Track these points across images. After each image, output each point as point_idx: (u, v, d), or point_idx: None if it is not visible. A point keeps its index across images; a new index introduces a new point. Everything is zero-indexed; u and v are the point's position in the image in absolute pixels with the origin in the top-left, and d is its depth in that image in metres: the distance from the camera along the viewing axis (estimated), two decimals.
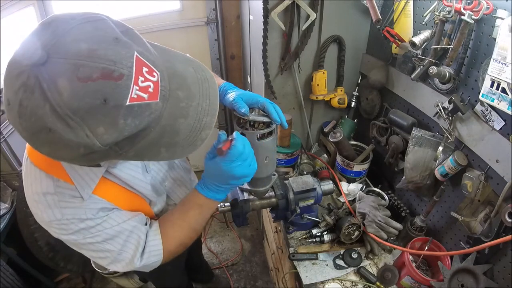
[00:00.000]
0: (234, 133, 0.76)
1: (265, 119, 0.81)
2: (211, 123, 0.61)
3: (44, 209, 0.67)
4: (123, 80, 0.47)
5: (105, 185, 0.74)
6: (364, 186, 1.45)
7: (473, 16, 0.87)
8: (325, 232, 1.25)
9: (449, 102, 1.01)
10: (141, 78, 0.49)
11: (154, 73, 0.51)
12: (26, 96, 0.45)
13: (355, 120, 1.66)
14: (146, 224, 0.82)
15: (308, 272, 1.15)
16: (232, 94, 0.85)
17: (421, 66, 1.09)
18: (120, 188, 0.78)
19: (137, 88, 0.48)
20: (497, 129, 0.90)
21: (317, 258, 1.20)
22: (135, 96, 0.48)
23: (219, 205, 1.14)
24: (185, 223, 0.84)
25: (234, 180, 0.78)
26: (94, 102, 0.45)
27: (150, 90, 0.50)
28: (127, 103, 0.47)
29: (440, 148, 1.07)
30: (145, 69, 0.50)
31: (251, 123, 0.83)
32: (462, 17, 0.88)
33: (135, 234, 0.77)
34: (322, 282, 1.12)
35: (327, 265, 1.19)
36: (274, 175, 1.03)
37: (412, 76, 1.12)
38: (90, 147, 0.48)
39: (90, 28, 0.48)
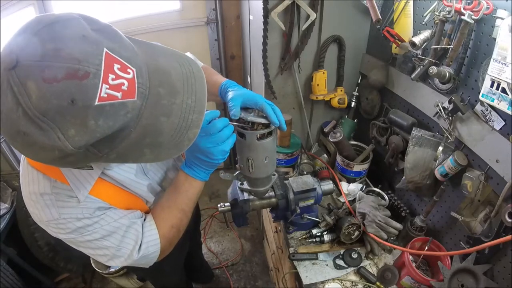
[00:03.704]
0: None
1: (263, 121, 0.80)
2: (198, 121, 0.59)
3: (42, 209, 0.67)
4: (90, 79, 0.45)
5: (102, 186, 0.74)
6: (364, 186, 1.45)
7: (473, 16, 0.87)
8: (325, 232, 1.25)
9: (449, 102, 1.01)
10: (111, 76, 0.47)
11: (129, 70, 0.49)
12: (2, 101, 0.45)
13: (355, 120, 1.66)
14: (141, 217, 0.83)
15: (308, 272, 1.15)
16: (231, 93, 0.84)
17: (421, 66, 1.09)
18: (117, 188, 0.78)
19: (107, 86, 0.46)
20: (497, 129, 0.90)
21: (317, 258, 1.20)
22: (105, 95, 0.46)
23: (219, 205, 1.14)
24: (172, 204, 0.84)
25: (200, 154, 0.77)
26: (61, 103, 0.44)
27: (124, 88, 0.48)
28: (96, 103, 0.45)
29: (440, 148, 1.07)
30: (116, 66, 0.48)
31: (250, 124, 0.83)
32: (462, 17, 0.88)
33: (133, 229, 0.78)
34: (322, 282, 1.12)
35: (327, 265, 1.19)
36: (274, 175, 1.03)
37: (412, 76, 1.12)
38: (63, 150, 0.47)
39: (59, 28, 0.46)
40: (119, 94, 0.47)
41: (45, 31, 0.46)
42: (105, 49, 0.47)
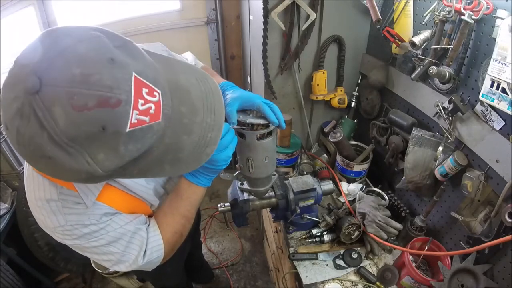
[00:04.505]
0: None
1: (262, 121, 0.80)
2: (216, 139, 0.60)
3: (48, 215, 0.67)
4: (122, 107, 0.44)
5: (108, 191, 0.74)
6: (364, 186, 1.45)
7: (473, 16, 0.87)
8: (325, 232, 1.25)
9: (449, 102, 1.01)
10: (141, 101, 0.46)
11: (155, 93, 0.49)
12: (23, 123, 0.43)
13: (355, 120, 1.66)
14: (146, 223, 0.83)
15: (308, 272, 1.15)
16: (228, 97, 0.83)
17: (421, 66, 1.09)
18: (122, 193, 0.78)
19: (137, 112, 0.46)
20: (497, 129, 0.90)
21: (317, 258, 1.20)
22: (136, 121, 0.46)
23: (219, 205, 1.14)
24: (175, 210, 0.85)
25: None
26: (91, 130, 0.43)
27: (152, 111, 0.48)
28: (127, 129, 0.45)
29: (440, 148, 1.07)
30: (145, 90, 0.47)
31: (250, 125, 0.83)
32: (462, 17, 0.88)
33: (138, 235, 0.77)
34: (322, 282, 1.12)
35: (327, 265, 1.19)
36: (274, 175, 1.03)
37: (412, 76, 1.12)
38: (92, 173, 0.47)
39: (84, 49, 0.44)
40: (147, 118, 0.47)
41: (70, 52, 0.44)
42: (133, 74, 0.46)
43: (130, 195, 0.80)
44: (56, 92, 0.42)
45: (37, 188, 0.67)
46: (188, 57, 1.06)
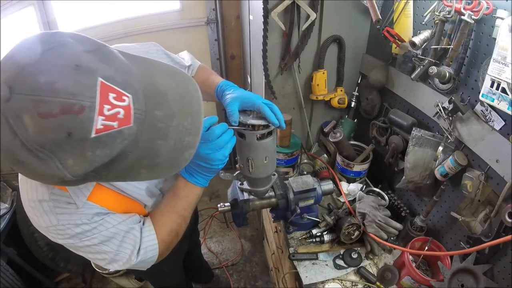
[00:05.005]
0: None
1: (263, 122, 0.80)
2: (194, 143, 0.59)
3: (41, 215, 0.67)
4: (85, 113, 0.44)
5: (99, 191, 0.74)
6: (364, 186, 1.45)
7: (473, 16, 0.87)
8: (325, 232, 1.25)
9: (449, 102, 1.01)
10: (107, 107, 0.46)
11: (124, 97, 0.48)
12: (2, 131, 0.45)
13: (355, 120, 1.66)
14: (140, 221, 0.83)
15: (308, 272, 1.15)
16: (228, 97, 0.84)
17: (421, 66, 1.09)
18: (115, 193, 0.79)
19: (103, 118, 0.46)
20: (497, 129, 0.90)
21: (317, 258, 1.20)
22: (101, 127, 0.46)
23: (219, 205, 1.14)
24: (172, 209, 0.85)
25: (199, 160, 0.77)
26: (58, 136, 0.44)
27: (120, 116, 0.48)
28: (93, 135, 0.45)
29: (440, 148, 1.07)
30: (112, 95, 0.47)
31: (250, 126, 0.83)
32: (462, 17, 0.88)
33: (131, 234, 0.78)
34: (322, 282, 1.12)
35: (327, 265, 1.19)
36: (274, 175, 1.03)
37: (412, 76, 1.12)
38: (62, 178, 0.48)
39: (51, 56, 0.45)
40: (115, 124, 0.47)
41: (37, 61, 0.45)
42: (99, 79, 0.46)
43: (122, 195, 0.81)
44: (24, 100, 0.43)
45: (29, 190, 0.68)
46: (185, 56, 1.04)
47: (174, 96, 0.57)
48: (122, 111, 0.48)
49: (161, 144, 0.55)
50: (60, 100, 0.43)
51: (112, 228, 0.74)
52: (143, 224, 0.83)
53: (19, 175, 0.72)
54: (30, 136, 0.44)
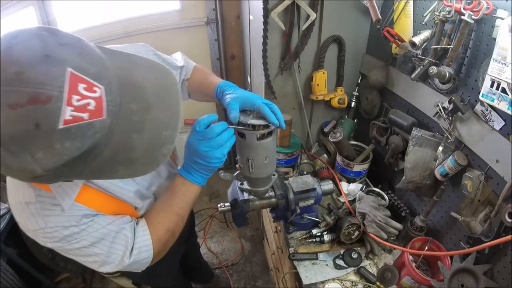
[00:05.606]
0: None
1: (263, 122, 0.80)
2: (172, 137, 0.57)
3: (28, 218, 0.66)
4: (53, 103, 0.43)
5: (87, 192, 0.73)
6: (364, 186, 1.45)
7: (473, 16, 0.87)
8: (325, 232, 1.25)
9: (449, 102, 1.01)
10: (76, 97, 0.45)
11: (95, 88, 0.47)
12: None
13: (355, 120, 1.66)
14: (131, 221, 0.81)
15: (308, 272, 1.15)
16: (228, 97, 0.83)
17: (421, 66, 1.09)
18: (103, 195, 0.77)
19: (72, 108, 0.45)
20: (497, 129, 0.90)
21: (317, 258, 1.20)
22: (70, 118, 0.45)
23: (219, 205, 1.14)
24: (169, 208, 0.84)
25: (198, 158, 0.77)
26: (26, 127, 0.43)
27: (91, 107, 0.46)
28: (61, 126, 0.44)
29: (440, 148, 1.07)
30: (82, 86, 0.46)
31: (250, 126, 0.83)
32: (462, 17, 0.88)
33: (122, 234, 0.77)
34: (322, 282, 1.12)
35: (327, 265, 1.19)
36: (274, 175, 1.03)
37: (412, 76, 1.12)
38: (34, 172, 0.47)
39: (22, 48, 0.45)
40: (85, 115, 0.46)
41: (9, 53, 0.45)
42: (68, 69, 0.45)
43: (111, 196, 0.79)
44: None
45: (16, 191, 0.67)
46: (178, 57, 1.03)
47: (151, 90, 0.55)
48: (93, 102, 0.47)
49: (136, 138, 0.53)
50: (28, 90, 0.43)
51: (102, 229, 0.73)
52: (137, 224, 0.82)
53: (7, 178, 0.70)
54: (1, 128, 0.43)
